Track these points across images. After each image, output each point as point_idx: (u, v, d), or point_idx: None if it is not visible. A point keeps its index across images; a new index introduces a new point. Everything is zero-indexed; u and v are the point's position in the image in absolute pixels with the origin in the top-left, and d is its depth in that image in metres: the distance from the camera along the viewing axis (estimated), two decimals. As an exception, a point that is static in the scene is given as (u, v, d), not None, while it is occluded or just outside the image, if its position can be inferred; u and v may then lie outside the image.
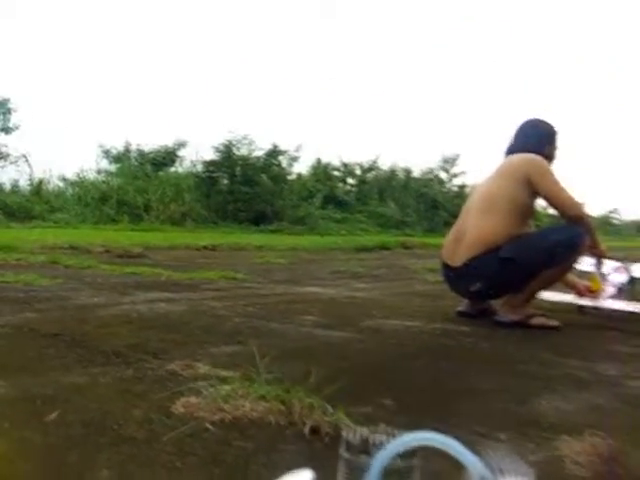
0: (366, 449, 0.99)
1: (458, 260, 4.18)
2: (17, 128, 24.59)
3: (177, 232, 18.88)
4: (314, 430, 1.80)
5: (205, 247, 11.75)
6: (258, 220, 24.15)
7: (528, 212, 4.22)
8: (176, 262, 8.39)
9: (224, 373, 2.35)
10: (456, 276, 4.25)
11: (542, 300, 4.43)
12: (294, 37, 67.35)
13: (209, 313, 3.93)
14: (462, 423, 1.94)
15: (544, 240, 4.04)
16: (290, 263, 9.13)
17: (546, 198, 4.12)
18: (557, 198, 4.09)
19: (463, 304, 4.44)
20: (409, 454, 0.98)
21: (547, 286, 4.17)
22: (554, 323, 4.05)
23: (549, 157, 4.26)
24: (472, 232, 4.15)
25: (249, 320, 3.73)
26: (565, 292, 4.81)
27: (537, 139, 4.36)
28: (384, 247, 15.04)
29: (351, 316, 4.15)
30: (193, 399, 2.01)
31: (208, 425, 1.82)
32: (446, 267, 4.33)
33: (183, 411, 1.93)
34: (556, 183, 4.10)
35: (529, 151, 4.30)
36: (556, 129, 4.41)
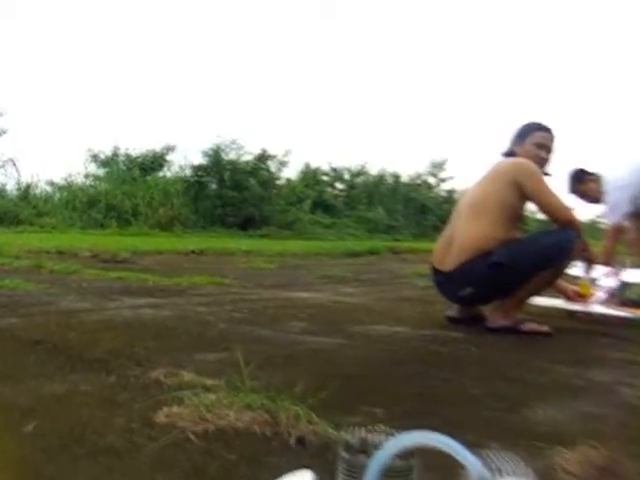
0: (365, 449, 0.99)
1: (448, 265, 4.14)
2: (4, 132, 24.45)
3: (165, 237, 18.84)
4: (300, 440, 1.75)
5: (193, 252, 11.69)
6: (246, 225, 24.14)
7: (518, 216, 4.17)
8: (163, 267, 8.33)
9: (209, 381, 2.29)
10: (446, 281, 4.20)
11: (531, 305, 4.37)
12: (282, 43, 67.31)
13: (195, 319, 3.86)
14: (453, 432, 1.88)
15: (535, 244, 4.00)
16: (278, 268, 9.08)
17: (536, 202, 4.07)
18: (547, 202, 4.04)
19: (453, 309, 4.39)
20: (408, 454, 0.98)
21: (538, 291, 4.12)
22: (545, 329, 3.99)
23: (526, 157, 4.18)
24: (462, 236, 4.10)
25: (236, 326, 3.67)
26: (555, 297, 4.77)
27: (510, 141, 4.35)
28: (373, 252, 15.02)
29: (339, 322, 4.09)
30: (176, 408, 1.95)
31: (191, 436, 1.76)
32: (436, 272, 4.28)
33: (165, 421, 1.87)
34: (546, 187, 4.05)
35: (507, 155, 4.27)
36: (534, 126, 4.31)
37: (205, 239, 17.53)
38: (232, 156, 25.88)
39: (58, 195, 25.53)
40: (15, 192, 24.99)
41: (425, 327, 4.02)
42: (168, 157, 27.71)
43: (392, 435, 1.01)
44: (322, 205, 30.45)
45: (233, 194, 24.64)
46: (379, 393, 2.36)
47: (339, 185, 34.43)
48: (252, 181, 25.54)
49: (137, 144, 27.75)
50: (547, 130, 4.31)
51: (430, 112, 67.13)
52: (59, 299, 4.47)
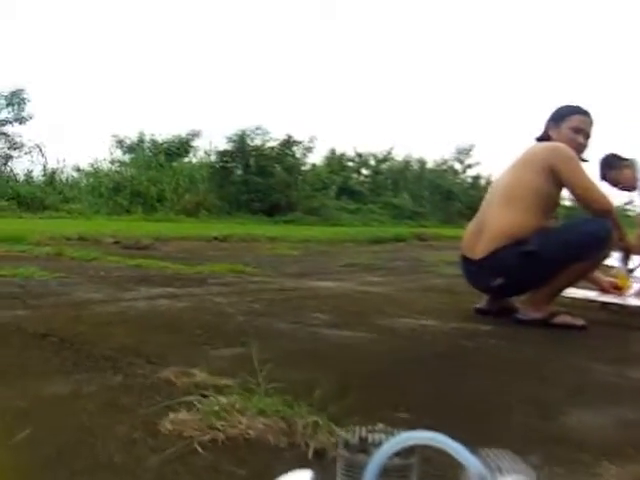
0: (364, 448, 0.98)
1: (479, 253, 3.94)
2: (31, 118, 24.41)
3: (190, 223, 18.73)
4: (318, 453, 1.58)
5: (216, 238, 11.54)
6: (272, 211, 23.99)
7: (552, 203, 3.98)
8: (185, 254, 8.20)
9: (222, 381, 2.13)
10: (476, 270, 4.01)
11: (563, 297, 4.16)
12: (309, 28, 66.99)
13: (212, 311, 3.70)
14: (484, 441, 1.71)
15: (570, 233, 3.79)
16: (302, 255, 8.92)
17: (571, 189, 3.87)
18: (583, 190, 3.84)
19: (482, 301, 4.20)
20: (407, 452, 0.97)
21: (573, 282, 3.92)
22: (579, 322, 3.80)
23: (562, 142, 3.97)
24: (493, 224, 3.91)
25: (254, 318, 3.50)
26: (588, 288, 4.58)
27: (545, 125, 4.14)
28: (398, 239, 14.83)
29: (364, 313, 3.92)
30: (184, 414, 1.78)
31: (197, 446, 1.60)
32: (466, 260, 4.09)
33: (171, 429, 1.70)
34: (583, 173, 3.85)
35: (541, 139, 4.07)
36: (571, 109, 4.10)
37: (230, 225, 17.37)
38: (257, 142, 25.72)
39: (84, 181, 25.50)
40: (41, 178, 24.96)
41: (453, 319, 3.84)
42: (193, 143, 27.60)
43: (392, 434, 0.99)
44: (348, 191, 30.23)
45: (259, 180, 24.49)
46: (405, 397, 2.18)
47: (364, 171, 34.22)
48: (277, 167, 25.36)
49: (162, 130, 27.68)
50: (585, 113, 4.09)
51: (456, 97, 66.56)
52: (73, 289, 4.33)
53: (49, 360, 2.43)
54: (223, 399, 1.88)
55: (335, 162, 32.84)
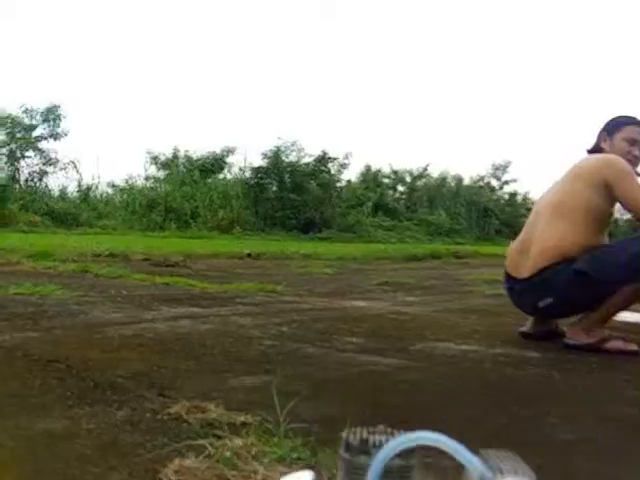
0: (365, 449, 0.96)
1: (524, 272, 3.66)
2: (66, 134, 24.48)
3: (223, 239, 18.57)
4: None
5: (249, 255, 11.32)
6: (307, 228, 23.83)
7: (604, 219, 3.68)
8: (215, 272, 7.97)
9: (240, 418, 1.88)
10: (522, 289, 3.72)
11: (614, 320, 3.84)
12: (345, 43, 66.85)
13: (237, 334, 3.45)
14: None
15: (624, 252, 3.47)
16: (336, 273, 8.65)
17: (626, 205, 3.57)
18: (638, 205, 3.54)
19: (527, 324, 3.91)
20: (408, 453, 0.95)
21: (626, 305, 3.60)
22: (633, 348, 3.49)
23: (615, 154, 3.69)
24: (541, 240, 3.62)
25: (281, 343, 3.24)
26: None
27: (597, 136, 3.86)
28: (434, 256, 14.52)
29: (400, 337, 3.65)
30: (191, 460, 1.53)
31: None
32: (510, 279, 3.80)
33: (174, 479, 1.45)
34: (638, 188, 3.55)
35: (593, 151, 3.79)
36: (625, 120, 3.81)
37: (264, 242, 17.22)
38: (292, 158, 25.65)
39: (118, 197, 25.54)
40: (76, 194, 25.03)
41: (497, 345, 3.55)
42: (228, 159, 27.50)
43: (392, 435, 0.97)
44: (383, 208, 30.05)
45: (293, 197, 24.37)
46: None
47: (400, 187, 34.05)
48: (312, 183, 25.24)
49: (197, 146, 27.58)
50: None
51: (493, 113, 65.94)
52: (91, 308, 4.10)
53: (51, 390, 2.18)
54: (238, 441, 1.63)
55: (370, 178, 32.71)
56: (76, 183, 25.09)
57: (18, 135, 23.78)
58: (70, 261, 7.69)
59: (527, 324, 3.91)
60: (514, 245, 3.88)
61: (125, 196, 25.18)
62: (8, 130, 23.60)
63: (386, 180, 33.77)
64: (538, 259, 3.59)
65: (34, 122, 24.29)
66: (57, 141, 24.57)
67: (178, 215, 23.15)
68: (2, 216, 19.14)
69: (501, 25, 72.58)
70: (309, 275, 8.15)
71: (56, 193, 24.43)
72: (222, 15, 64.93)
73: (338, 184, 27.80)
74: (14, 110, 23.79)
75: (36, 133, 24.40)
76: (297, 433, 1.65)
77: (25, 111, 24.08)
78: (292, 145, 25.57)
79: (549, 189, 3.90)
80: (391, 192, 33.24)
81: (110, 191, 26.11)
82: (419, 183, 34.09)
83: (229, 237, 20.34)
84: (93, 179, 25.76)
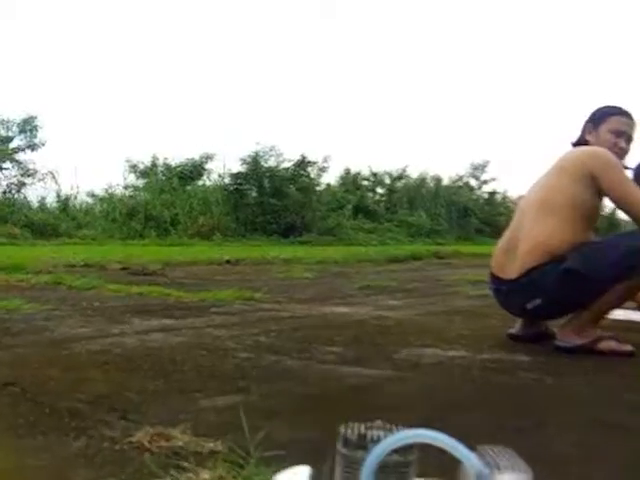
0: (363, 444, 0.95)
1: (511, 272, 3.49)
2: (44, 145, 24.27)
3: (204, 246, 18.39)
4: None
5: (228, 262, 11.12)
6: (287, 232, 23.72)
7: (593, 214, 3.53)
8: (193, 279, 7.77)
9: (208, 445, 1.70)
10: (509, 290, 3.55)
11: (606, 319, 3.68)
12: (322, 48, 66.86)
13: (211, 346, 3.25)
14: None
15: (615, 249, 3.32)
16: (317, 277, 8.46)
17: (614, 198, 3.42)
18: (628, 199, 3.38)
19: (515, 325, 3.76)
20: (406, 450, 0.94)
21: (620, 303, 3.45)
22: (627, 348, 3.34)
23: (601, 146, 3.53)
24: (528, 239, 3.46)
25: (258, 355, 3.06)
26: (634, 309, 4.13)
27: (582, 128, 3.71)
28: (416, 257, 14.37)
29: (383, 344, 3.48)
30: (150, 499, 1.35)
31: None
32: (496, 280, 3.64)
33: (128, 525, 1.26)
34: (626, 181, 3.41)
35: (578, 144, 3.64)
36: (610, 110, 3.67)
37: (245, 248, 17.04)
38: (271, 163, 25.54)
39: (98, 207, 25.32)
40: (55, 204, 24.79)
41: (485, 349, 3.39)
42: (207, 166, 27.35)
43: (390, 431, 0.97)
44: (363, 210, 29.98)
45: (273, 201, 24.28)
46: (440, 456, 1.74)
47: (380, 189, 33.99)
48: (292, 188, 25.13)
49: (176, 153, 27.38)
50: (627, 115, 3.64)
51: (471, 113, 66.08)
52: (59, 323, 3.88)
53: (1, 418, 1.99)
54: (205, 474, 1.45)
55: (350, 181, 32.64)
56: (55, 194, 24.85)
57: (-6, 146, 23.51)
58: (44, 273, 7.45)
59: (516, 326, 3.76)
60: (500, 244, 3.72)
61: (105, 205, 24.94)
62: (-16, 142, 23.35)
63: (365, 182, 33.72)
64: (526, 259, 3.42)
65: (10, 134, 24.14)
66: (34, 152, 24.42)
67: (158, 223, 22.99)
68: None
69: (478, 26, 72.83)
70: (289, 280, 7.97)
71: (35, 204, 24.17)
72: (197, 22, 64.72)
73: (318, 188, 27.71)
74: (-12, 122, 23.52)
75: (13, 144, 24.22)
76: (271, 461, 1.48)
77: (1, 122, 23.88)
78: (271, 150, 25.50)
79: (534, 185, 3.74)
80: (371, 194, 33.18)
81: (90, 201, 25.87)
82: (398, 184, 34.03)
83: (209, 244, 20.15)
84: (72, 189, 25.53)
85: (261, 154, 25.37)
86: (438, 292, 6.88)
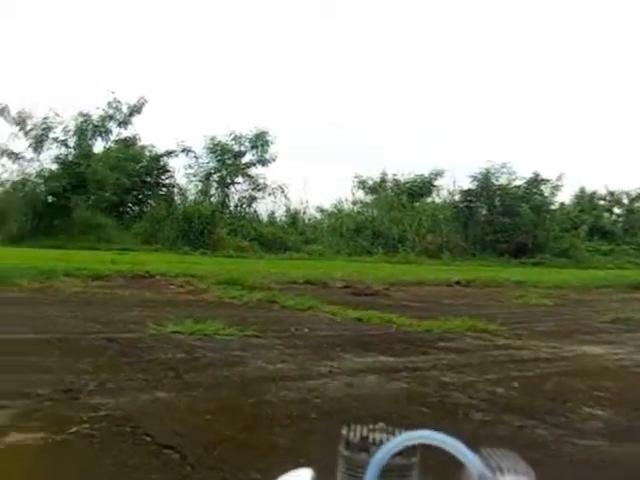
0: (365, 447, 0.75)
1: None
2: (274, 160, 24.70)
3: (431, 265, 17.82)
4: None
5: (458, 283, 10.43)
6: (518, 252, 22.73)
7: None
8: (419, 302, 7.13)
9: None
10: None
11: None
12: (556, 61, 64.57)
13: (434, 399, 2.58)
14: None
15: None
16: (556, 305, 7.56)
17: None
18: None
19: None
20: (409, 452, 0.75)
21: None
22: None
23: None
24: None
25: (495, 417, 2.35)
26: None
27: None
28: (663, 284, 12.87)
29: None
30: None
31: None
32: None
33: None
34: None
35: None
36: None
37: (474, 268, 16.27)
38: (502, 180, 24.60)
39: (326, 222, 25.44)
40: (284, 219, 25.16)
41: None
42: (436, 182, 26.76)
43: (393, 433, 0.76)
44: (599, 231, 28.30)
45: (504, 220, 23.33)
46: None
47: (617, 210, 32.04)
48: (524, 206, 24.05)
49: (405, 169, 27.03)
50: None
51: None
52: (256, 355, 3.32)
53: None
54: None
55: (585, 201, 31.00)
56: (284, 208, 25.21)
57: (228, 162, 24.21)
58: (259, 289, 7.06)
59: None
60: None
61: (333, 220, 25.03)
62: (218, 157, 24.10)
63: (602, 202, 31.93)
64: None
65: (243, 148, 24.70)
66: (265, 167, 24.84)
67: (386, 240, 22.71)
68: (212, 241, 19.44)
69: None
70: (526, 308, 7.11)
71: (264, 218, 24.63)
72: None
73: (551, 207, 26.46)
74: (223, 137, 24.27)
75: (245, 159, 24.79)
76: None
77: (234, 138, 24.53)
78: (502, 167, 24.58)
79: None
80: (607, 214, 31.35)
81: (318, 216, 26.05)
82: (638, 204, 31.95)
83: (437, 262, 19.57)
84: (301, 203, 25.79)
85: (492, 171, 24.55)
86: None
